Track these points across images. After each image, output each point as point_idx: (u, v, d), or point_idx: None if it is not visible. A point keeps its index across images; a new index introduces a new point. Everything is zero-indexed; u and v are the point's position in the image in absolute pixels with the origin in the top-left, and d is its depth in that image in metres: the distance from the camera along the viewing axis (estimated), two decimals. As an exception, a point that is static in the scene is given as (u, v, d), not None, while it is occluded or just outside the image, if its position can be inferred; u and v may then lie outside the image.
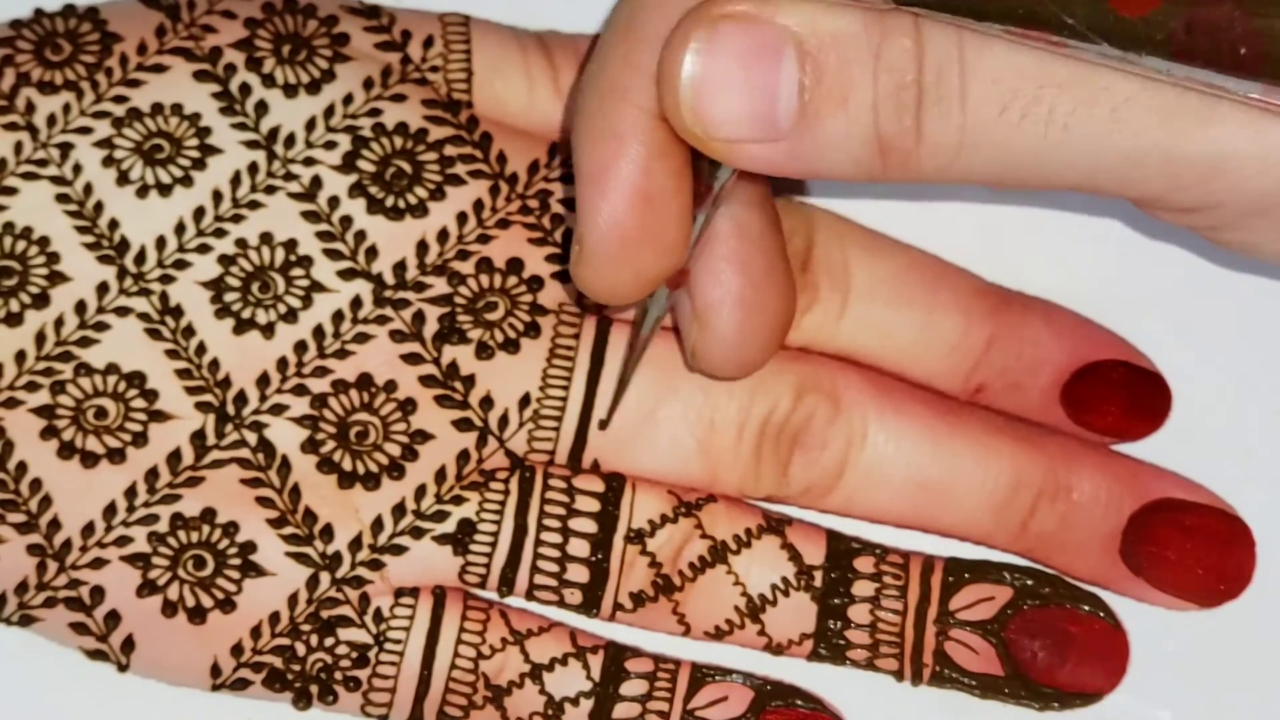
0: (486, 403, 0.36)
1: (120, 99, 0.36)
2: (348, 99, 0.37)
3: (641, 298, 0.33)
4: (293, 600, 0.35)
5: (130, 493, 0.35)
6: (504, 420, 0.36)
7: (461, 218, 0.36)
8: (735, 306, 0.33)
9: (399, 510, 0.35)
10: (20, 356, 0.35)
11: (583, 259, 0.31)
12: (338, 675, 0.35)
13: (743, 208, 0.33)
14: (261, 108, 0.36)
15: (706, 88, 0.29)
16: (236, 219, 0.36)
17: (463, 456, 0.36)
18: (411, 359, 0.36)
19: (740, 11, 0.28)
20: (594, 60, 0.31)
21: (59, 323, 0.35)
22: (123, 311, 0.35)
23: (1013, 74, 0.27)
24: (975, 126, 0.28)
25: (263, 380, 0.35)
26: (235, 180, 0.36)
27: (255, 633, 0.35)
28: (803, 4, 0.28)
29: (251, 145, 0.36)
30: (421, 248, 0.36)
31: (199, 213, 0.36)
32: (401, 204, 0.36)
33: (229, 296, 0.36)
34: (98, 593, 0.35)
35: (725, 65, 0.28)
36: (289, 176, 0.36)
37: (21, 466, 0.35)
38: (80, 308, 0.35)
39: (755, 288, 0.33)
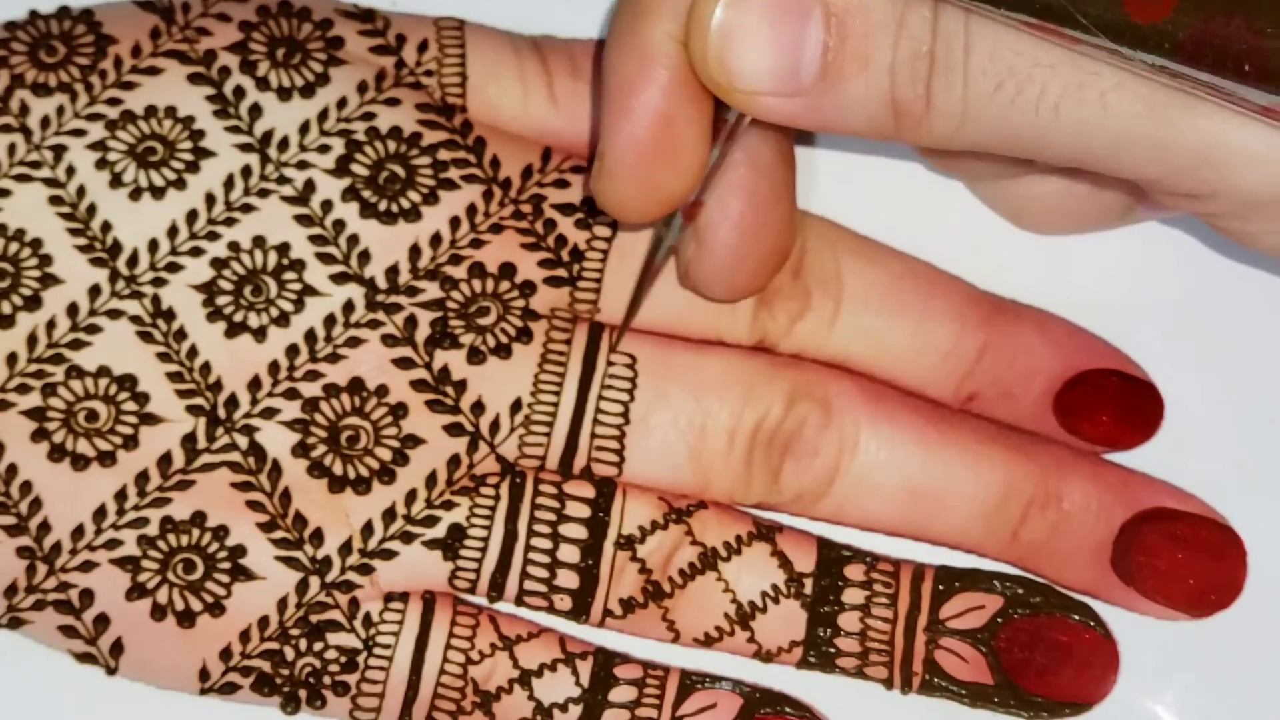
0: (478, 408, 0.36)
1: (114, 101, 0.36)
2: (342, 103, 0.37)
3: (656, 217, 0.34)
4: (282, 604, 0.35)
5: (120, 496, 0.35)
6: (495, 425, 0.36)
7: (454, 222, 0.36)
8: (733, 228, 0.34)
9: (389, 515, 0.35)
10: (12, 359, 0.35)
11: (602, 174, 0.32)
12: (326, 680, 0.35)
13: (758, 139, 0.34)
14: (255, 111, 0.37)
15: (733, 39, 0.30)
16: (229, 222, 0.36)
17: (454, 461, 0.36)
18: (403, 363, 0.36)
19: None
20: None
21: (51, 325, 0.35)
22: (114, 314, 0.35)
23: (1009, 53, 0.29)
24: (974, 99, 0.29)
25: (254, 384, 0.35)
26: (228, 183, 0.36)
27: (244, 637, 0.35)
28: None
29: (245, 148, 0.36)
30: (414, 252, 0.36)
31: (192, 216, 0.36)
32: (395, 208, 0.36)
33: (221, 300, 0.36)
34: (87, 596, 0.35)
35: (754, 20, 0.30)
36: (282, 180, 0.36)
37: (12, 469, 0.35)
38: (72, 310, 0.35)
39: (756, 214, 0.34)
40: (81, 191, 0.36)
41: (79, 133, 0.36)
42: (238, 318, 0.35)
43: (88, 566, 0.35)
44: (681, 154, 0.32)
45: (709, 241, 0.34)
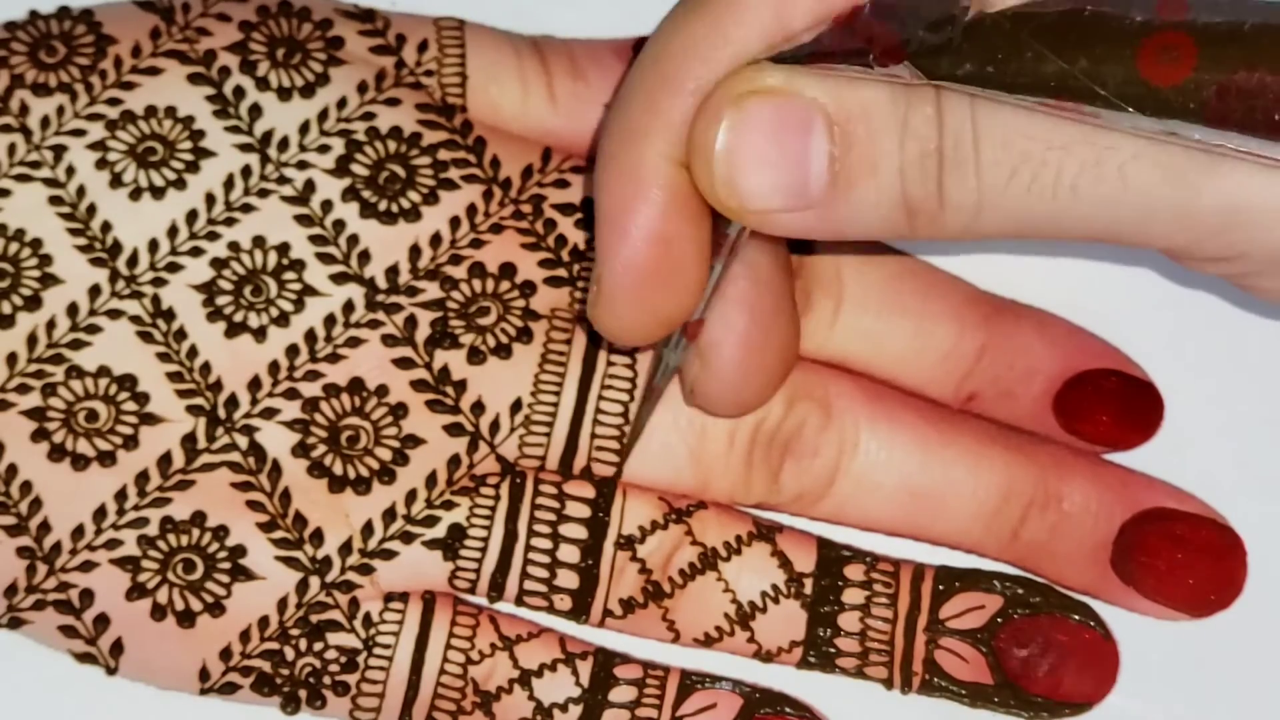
0: (478, 408, 0.36)
1: (114, 101, 0.36)
2: (341, 103, 0.37)
3: (657, 340, 0.33)
4: (282, 604, 0.35)
5: (120, 496, 0.35)
6: (495, 425, 0.36)
7: (454, 222, 0.36)
8: (738, 345, 0.33)
9: (389, 515, 0.35)
10: (12, 359, 0.35)
11: (600, 300, 0.31)
12: (326, 680, 0.35)
13: (755, 251, 0.33)
14: (255, 111, 0.37)
15: (739, 161, 0.29)
16: (229, 222, 0.36)
17: (454, 461, 0.35)
18: (403, 363, 0.36)
19: (770, 87, 0.29)
20: (617, 103, 0.31)
21: (51, 325, 0.35)
22: (114, 314, 0.35)
23: (1020, 138, 0.28)
24: (988, 190, 0.28)
25: (254, 384, 0.35)
26: (228, 183, 0.36)
27: (244, 637, 0.35)
28: (828, 78, 0.28)
29: (245, 148, 0.36)
30: (414, 252, 0.36)
31: (191, 216, 0.36)
32: (395, 208, 0.36)
33: (221, 300, 0.36)
34: (87, 596, 0.35)
35: (757, 139, 0.29)
36: (282, 180, 0.36)
37: (12, 469, 0.35)
38: (72, 310, 0.35)
39: (760, 329, 0.33)
40: (81, 191, 0.36)
41: (79, 133, 0.36)
42: (238, 318, 0.35)
43: (88, 566, 0.35)
44: (682, 274, 0.31)
45: (714, 360, 0.34)
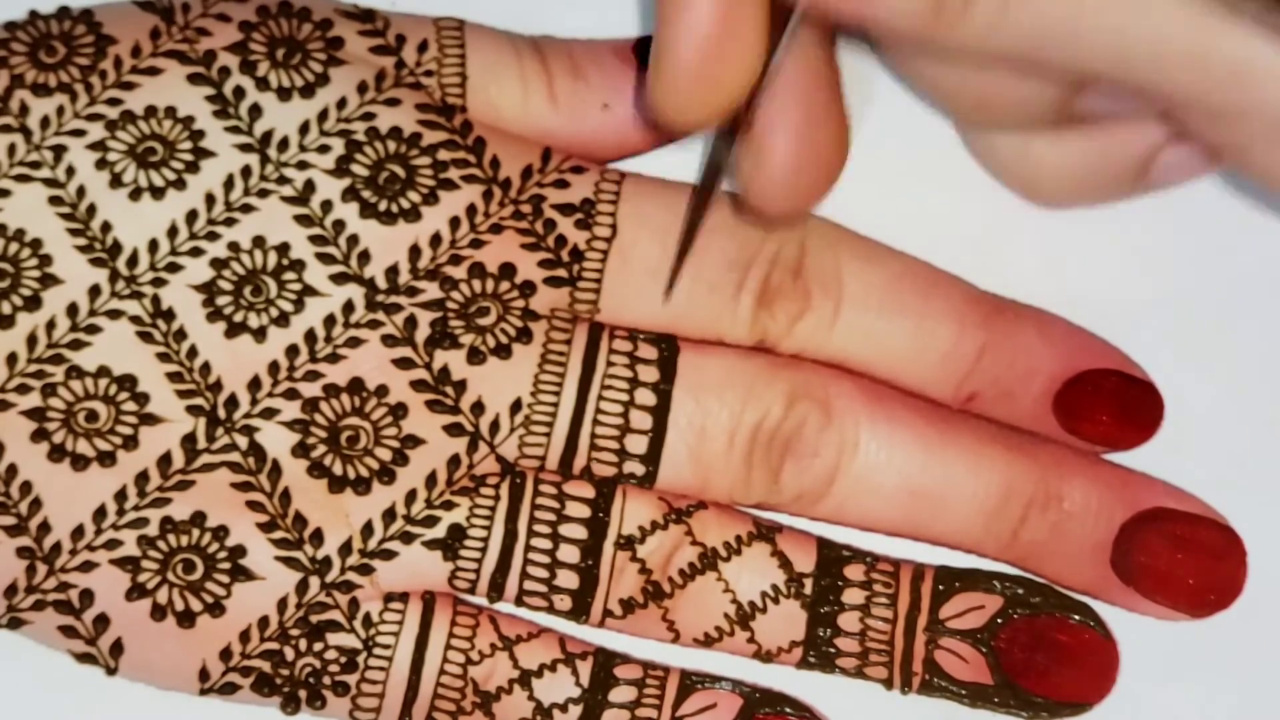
0: (478, 408, 0.36)
1: (114, 101, 0.36)
2: (341, 103, 0.37)
3: (715, 120, 0.32)
4: (282, 605, 0.35)
5: (120, 496, 0.35)
6: (495, 425, 0.36)
7: (454, 222, 0.36)
8: (791, 138, 0.33)
9: (389, 515, 0.35)
10: (12, 359, 0.35)
11: (661, 74, 0.31)
12: (326, 680, 0.35)
13: (806, 45, 0.33)
14: (255, 111, 0.37)
15: None
16: (229, 222, 0.36)
17: (453, 462, 0.36)
18: (403, 363, 0.36)
19: None
20: None
21: (50, 325, 0.35)
22: (114, 314, 0.35)
23: None
24: None
25: (254, 384, 0.35)
26: (228, 183, 0.36)
27: (244, 637, 0.35)
28: None
29: (245, 149, 0.36)
30: (414, 252, 0.36)
31: (191, 216, 0.36)
32: (394, 208, 0.36)
33: (221, 300, 0.36)
34: (87, 596, 0.35)
35: None
36: (282, 180, 0.36)
37: (12, 469, 0.35)
38: (72, 310, 0.35)
39: (812, 121, 0.33)
40: (81, 192, 0.36)
41: (79, 133, 0.36)
42: (238, 318, 0.36)
43: (88, 567, 0.35)
44: (742, 42, 0.31)
45: (766, 153, 0.33)
